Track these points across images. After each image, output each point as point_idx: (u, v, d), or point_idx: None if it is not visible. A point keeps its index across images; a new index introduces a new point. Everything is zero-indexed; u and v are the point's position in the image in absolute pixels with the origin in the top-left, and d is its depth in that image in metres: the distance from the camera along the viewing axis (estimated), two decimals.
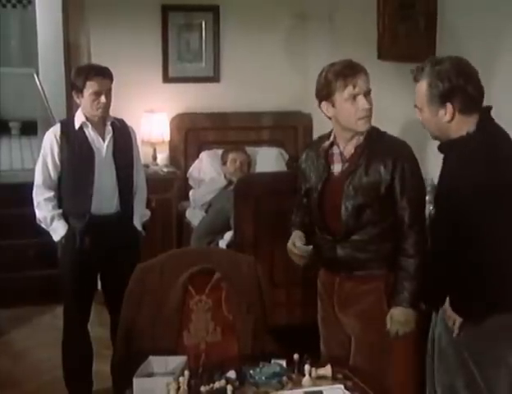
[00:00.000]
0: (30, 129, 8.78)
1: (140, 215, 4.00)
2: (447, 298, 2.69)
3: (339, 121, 2.91)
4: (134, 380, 2.51)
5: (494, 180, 2.55)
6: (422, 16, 4.34)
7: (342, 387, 2.53)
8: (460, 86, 2.62)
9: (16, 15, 10.94)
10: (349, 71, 2.85)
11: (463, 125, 2.67)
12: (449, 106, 2.64)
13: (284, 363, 2.67)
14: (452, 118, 2.65)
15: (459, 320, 2.65)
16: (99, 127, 3.82)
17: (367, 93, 2.87)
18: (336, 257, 2.97)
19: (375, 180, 2.88)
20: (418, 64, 2.75)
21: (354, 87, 2.83)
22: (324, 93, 2.90)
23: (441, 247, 2.71)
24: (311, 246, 2.98)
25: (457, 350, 2.70)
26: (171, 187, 5.48)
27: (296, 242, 3.00)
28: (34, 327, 5.16)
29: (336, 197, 2.92)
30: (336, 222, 2.94)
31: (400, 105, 4.13)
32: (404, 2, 4.55)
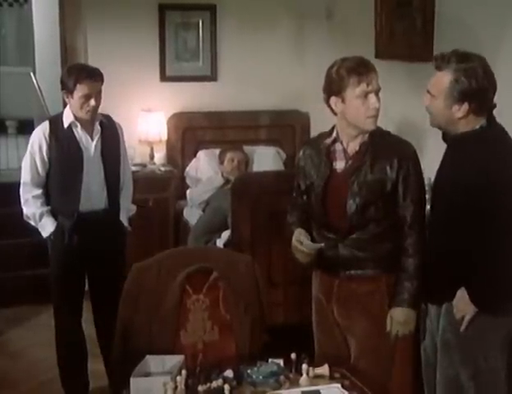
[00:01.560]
0: (27, 128, 8.72)
1: (127, 210, 4.00)
2: (458, 292, 2.71)
3: (346, 118, 2.89)
4: (131, 380, 2.50)
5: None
6: (420, 15, 4.35)
7: (339, 386, 2.53)
8: (484, 89, 2.65)
9: (12, 13, 10.92)
10: (363, 68, 2.83)
11: (472, 122, 2.70)
12: (465, 105, 2.66)
13: (281, 362, 2.66)
14: (464, 116, 2.68)
15: (469, 314, 2.68)
16: (88, 126, 3.81)
17: (377, 92, 2.86)
18: (337, 255, 2.95)
19: (380, 177, 2.87)
20: (440, 54, 2.75)
21: (368, 85, 2.82)
22: (335, 88, 2.86)
23: (460, 238, 2.70)
24: (322, 244, 2.95)
25: (463, 343, 2.73)
26: (168, 186, 5.48)
27: (304, 240, 2.96)
28: (31, 327, 5.15)
29: (340, 194, 2.90)
30: (339, 220, 2.93)
31: (397, 104, 4.13)
32: (401, 1, 4.55)
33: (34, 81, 7.70)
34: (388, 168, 2.87)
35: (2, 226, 5.66)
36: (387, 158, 2.88)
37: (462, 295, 2.69)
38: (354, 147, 2.93)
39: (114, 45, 5.49)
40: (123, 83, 5.31)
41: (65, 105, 3.89)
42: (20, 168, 3.93)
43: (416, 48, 4.22)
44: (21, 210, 3.88)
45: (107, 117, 3.93)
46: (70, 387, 3.99)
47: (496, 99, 2.76)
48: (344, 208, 2.89)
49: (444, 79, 2.68)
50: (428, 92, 2.76)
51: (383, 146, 2.90)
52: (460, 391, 2.75)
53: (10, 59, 10.58)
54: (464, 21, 4.03)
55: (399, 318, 2.89)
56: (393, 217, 2.91)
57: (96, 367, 4.02)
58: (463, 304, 2.69)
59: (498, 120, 2.76)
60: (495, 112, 2.76)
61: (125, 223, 3.97)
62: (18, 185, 3.94)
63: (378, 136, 2.92)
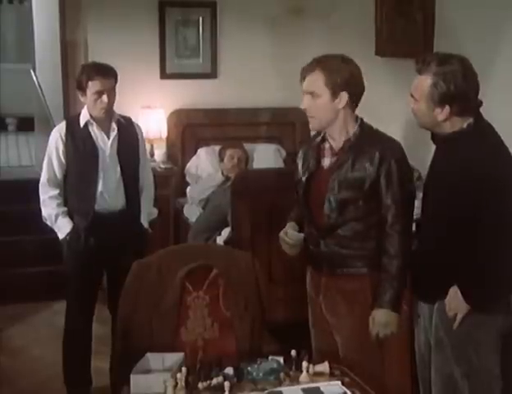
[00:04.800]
0: (27, 125, 8.77)
1: (148, 213, 4.00)
2: (450, 290, 2.71)
3: None
4: (132, 377, 2.50)
5: (505, 166, 2.64)
6: (420, 13, 4.35)
7: (339, 383, 2.53)
8: (463, 92, 2.65)
9: (12, 10, 10.92)
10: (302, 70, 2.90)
11: (459, 123, 2.72)
12: (446, 108, 2.68)
13: (281, 359, 2.66)
14: (446, 119, 2.70)
15: (462, 312, 2.68)
16: (104, 125, 3.81)
17: (306, 93, 2.89)
18: (319, 252, 2.96)
19: (360, 175, 2.85)
20: (422, 56, 2.76)
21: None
22: None
23: (451, 236, 2.71)
24: (302, 234, 2.97)
25: (455, 341, 2.74)
26: (168, 183, 5.48)
27: (289, 231, 3.00)
28: (32, 325, 5.15)
29: (321, 191, 2.91)
30: (321, 216, 2.93)
31: (396, 101, 4.14)
32: None
33: (34, 78, 7.70)
34: (368, 166, 2.84)
35: (3, 224, 5.67)
36: (369, 155, 2.85)
37: (454, 293, 2.70)
38: (339, 144, 2.93)
39: (114, 42, 5.48)
40: (123, 80, 5.23)
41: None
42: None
43: (416, 46, 4.22)
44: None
45: (127, 119, 3.94)
46: (72, 384, 3.99)
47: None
48: (324, 205, 2.90)
49: (424, 83, 2.69)
50: (411, 95, 2.77)
51: (367, 143, 2.88)
52: (455, 389, 2.77)
53: (10, 56, 10.58)
54: (464, 20, 4.04)
55: (380, 320, 2.86)
56: (377, 216, 2.88)
57: (99, 365, 4.03)
58: (455, 302, 2.69)
59: (495, 122, 2.77)
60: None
61: (146, 226, 3.95)
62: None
63: (363, 133, 2.90)
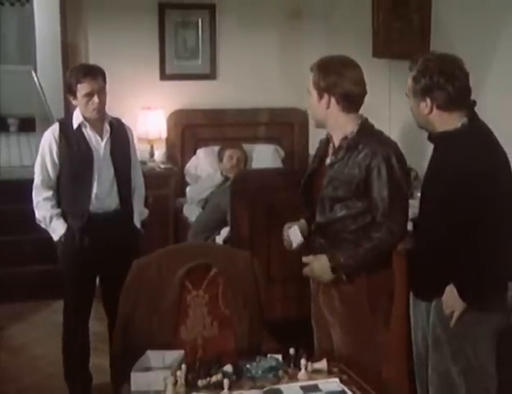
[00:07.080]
0: (29, 126, 8.79)
1: (139, 213, 4.01)
2: (447, 288, 2.74)
3: None
4: (132, 374, 2.51)
5: (501, 165, 2.68)
6: (417, 14, 4.37)
7: (337, 380, 2.54)
8: (439, 85, 2.71)
9: (14, 12, 10.93)
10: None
11: (445, 120, 2.76)
12: (428, 101, 2.75)
13: (280, 357, 2.67)
14: (430, 112, 2.76)
15: (458, 310, 2.71)
16: (97, 126, 3.83)
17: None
18: (315, 249, 2.98)
19: (352, 173, 2.84)
20: (417, 55, 2.85)
21: None
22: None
23: (447, 235, 2.74)
24: (287, 234, 3.04)
25: (452, 338, 2.77)
26: (168, 183, 5.51)
27: (288, 226, 3.05)
28: (32, 323, 5.17)
29: (319, 188, 2.94)
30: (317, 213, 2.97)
31: (393, 102, 4.16)
32: (399, 1, 4.58)
33: (36, 79, 7.73)
34: (360, 164, 2.82)
35: (4, 223, 5.70)
36: (363, 153, 2.83)
37: (451, 291, 2.72)
38: (337, 142, 2.95)
39: (114, 44, 5.51)
40: (123, 81, 5.33)
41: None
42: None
43: (413, 48, 4.24)
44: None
45: (118, 120, 3.95)
46: (73, 382, 4.02)
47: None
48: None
49: (410, 79, 2.79)
50: (406, 94, 2.85)
51: (362, 142, 2.86)
52: (452, 387, 2.79)
53: (11, 58, 10.60)
54: (460, 22, 4.06)
55: (317, 264, 2.90)
56: (371, 216, 2.87)
57: (98, 362, 4.06)
58: (452, 300, 2.72)
59: (490, 121, 2.80)
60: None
61: (138, 225, 3.97)
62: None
63: (362, 132, 2.89)
